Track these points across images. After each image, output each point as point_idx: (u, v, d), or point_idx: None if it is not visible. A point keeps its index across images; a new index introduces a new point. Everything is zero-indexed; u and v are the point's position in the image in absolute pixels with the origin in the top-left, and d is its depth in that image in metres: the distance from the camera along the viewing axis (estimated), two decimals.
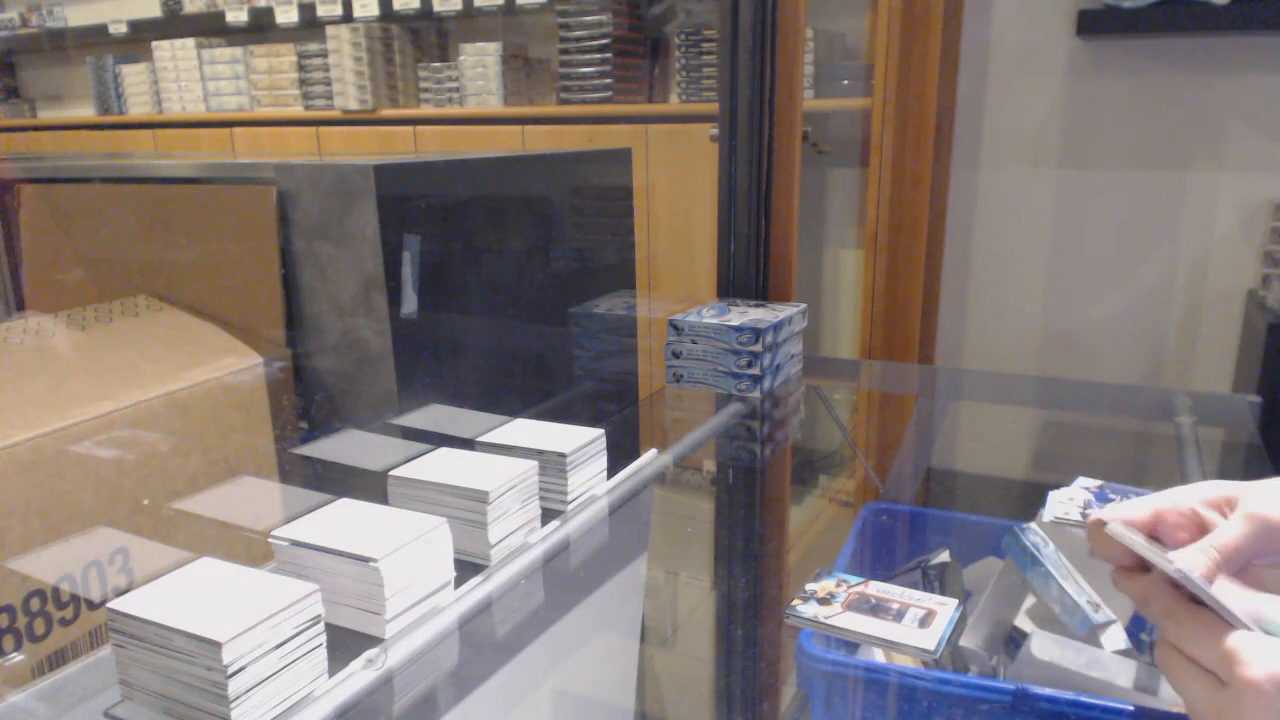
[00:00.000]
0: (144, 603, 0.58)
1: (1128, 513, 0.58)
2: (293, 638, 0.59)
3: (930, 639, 0.62)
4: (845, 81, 2.51)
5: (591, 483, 0.91)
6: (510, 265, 1.26)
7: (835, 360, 2.25)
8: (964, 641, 0.73)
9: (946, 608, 0.67)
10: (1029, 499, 0.82)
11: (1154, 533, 0.58)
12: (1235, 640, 0.48)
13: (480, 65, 3.00)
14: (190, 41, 3.60)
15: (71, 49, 4.19)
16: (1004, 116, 2.34)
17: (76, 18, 4.10)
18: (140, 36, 3.78)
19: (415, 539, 0.68)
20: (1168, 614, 0.52)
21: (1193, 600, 0.52)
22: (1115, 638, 0.70)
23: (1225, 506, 0.57)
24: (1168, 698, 0.66)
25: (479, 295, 1.20)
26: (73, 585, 0.90)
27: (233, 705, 0.56)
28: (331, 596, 0.66)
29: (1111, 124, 2.23)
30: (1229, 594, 0.51)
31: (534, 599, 0.78)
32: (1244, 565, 0.55)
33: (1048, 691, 0.62)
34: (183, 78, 3.66)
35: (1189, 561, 0.53)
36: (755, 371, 1.27)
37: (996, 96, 2.34)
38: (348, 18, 3.19)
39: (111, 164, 1.49)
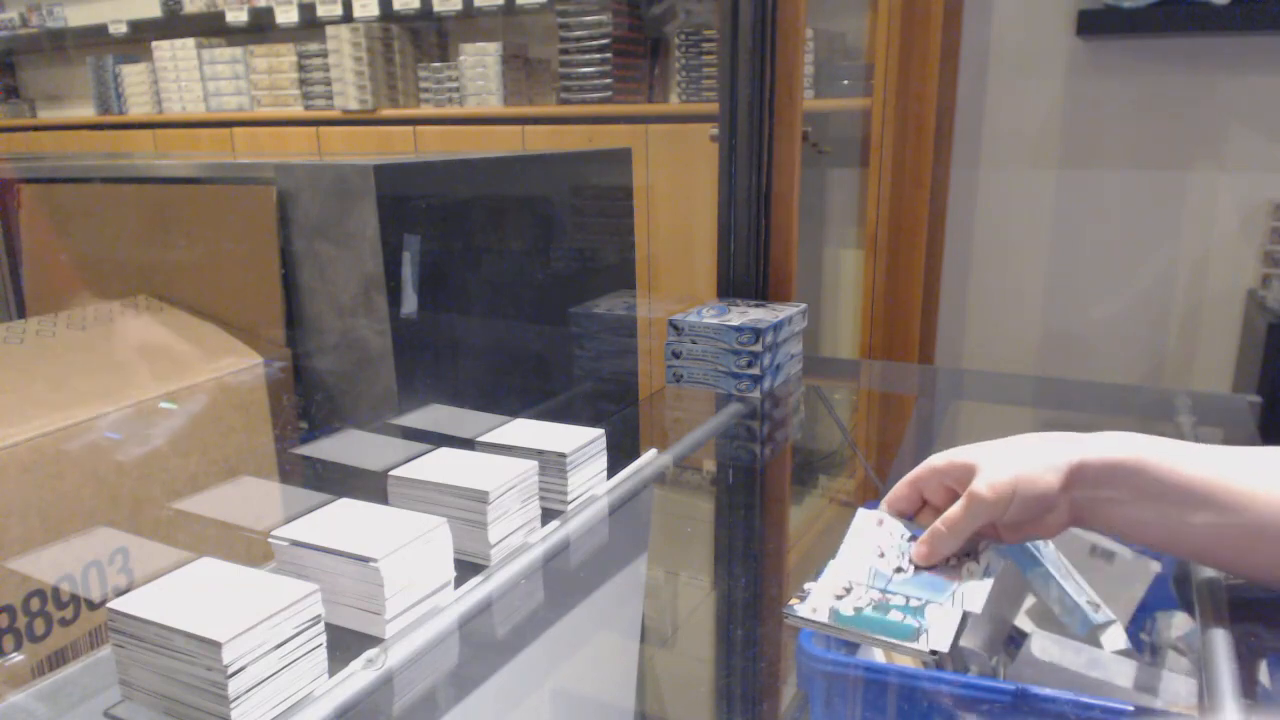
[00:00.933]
0: (144, 603, 0.58)
1: (891, 497, 0.70)
2: (293, 638, 0.59)
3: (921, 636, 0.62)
4: (845, 81, 2.51)
5: (591, 483, 0.91)
6: (510, 265, 1.26)
7: (835, 360, 2.25)
8: (964, 641, 0.73)
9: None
10: None
11: (925, 500, 0.69)
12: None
13: (480, 65, 3.00)
14: (190, 41, 3.60)
15: (71, 49, 4.19)
16: (1004, 116, 2.34)
17: (76, 18, 4.10)
18: (140, 36, 3.78)
19: (415, 539, 0.68)
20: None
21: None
22: (1115, 638, 0.70)
23: (962, 472, 0.65)
24: (1168, 698, 0.66)
25: (479, 295, 1.20)
26: (73, 585, 0.90)
27: (233, 705, 0.56)
28: (331, 596, 0.66)
29: (1111, 124, 2.23)
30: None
31: (534, 599, 0.78)
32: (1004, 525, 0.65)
33: (1048, 691, 0.62)
34: (183, 78, 3.66)
35: (924, 547, 0.65)
36: (755, 371, 1.27)
37: (996, 96, 2.34)
38: (348, 18, 3.19)
39: (111, 164, 1.49)
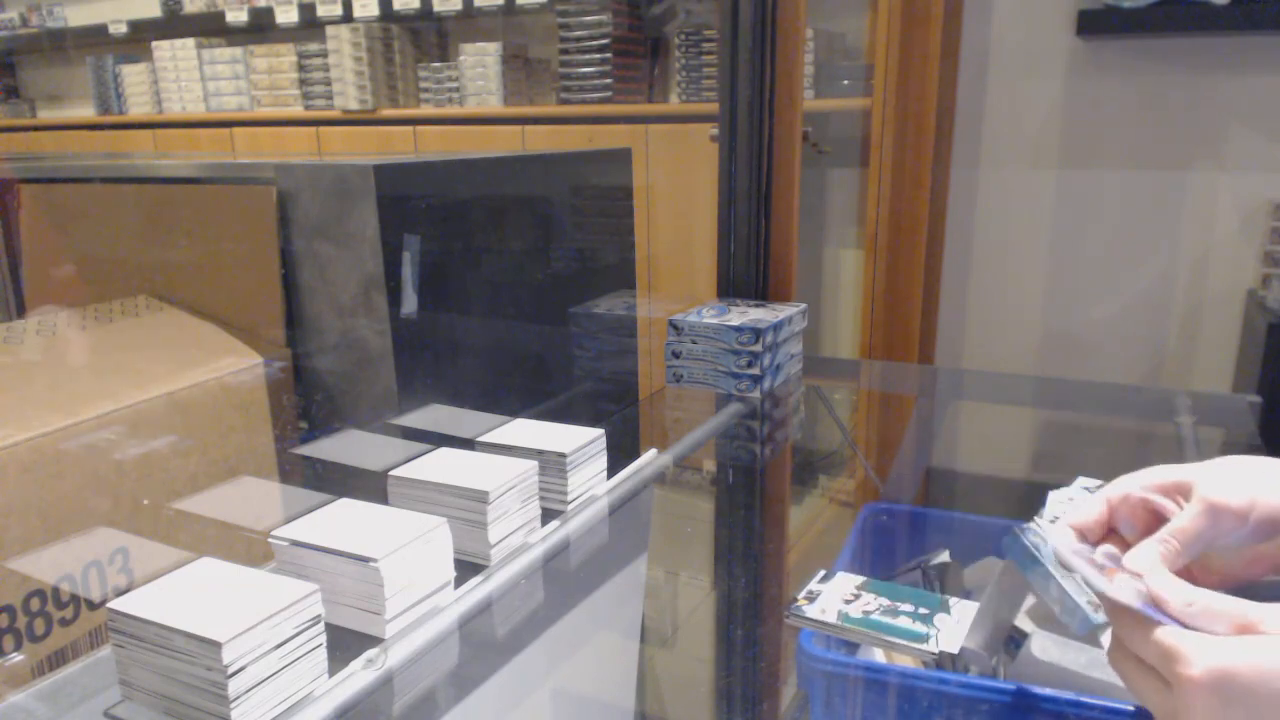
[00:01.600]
0: (144, 603, 0.58)
1: (1079, 515, 0.58)
2: (293, 638, 0.59)
3: (931, 639, 0.62)
4: (845, 81, 2.51)
5: (591, 483, 0.91)
6: (510, 265, 1.26)
7: (835, 360, 2.25)
8: (964, 641, 0.73)
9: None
10: (1029, 499, 0.82)
11: (1111, 526, 0.58)
12: (1171, 637, 0.47)
13: (480, 65, 3.00)
14: (190, 41, 3.60)
15: (71, 49, 4.19)
16: (1004, 116, 2.34)
17: (76, 18, 4.10)
18: (140, 36, 3.78)
19: (415, 539, 0.68)
20: (1116, 612, 0.52)
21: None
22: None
23: (1176, 492, 0.56)
24: None
25: (479, 295, 1.20)
26: (73, 585, 0.90)
27: (233, 705, 0.56)
28: (331, 596, 0.66)
29: (1111, 124, 2.23)
30: (1171, 588, 0.50)
31: (534, 599, 0.78)
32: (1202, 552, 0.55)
33: (1048, 691, 0.62)
34: (183, 78, 3.66)
35: (1143, 560, 0.53)
36: (755, 371, 1.27)
37: (996, 96, 2.34)
38: (348, 18, 3.19)
39: (111, 164, 1.49)
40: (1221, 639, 0.46)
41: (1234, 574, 0.58)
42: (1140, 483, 0.57)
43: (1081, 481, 0.82)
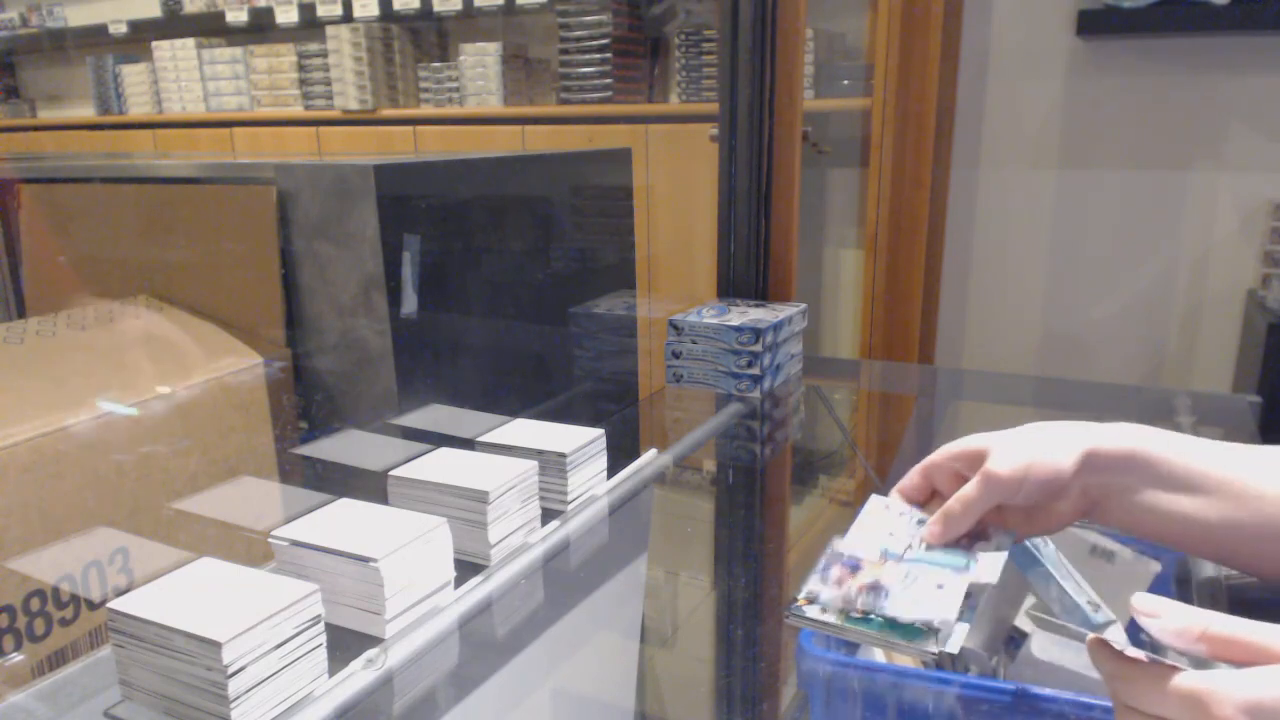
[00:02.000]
0: (144, 603, 0.58)
1: (904, 482, 0.68)
2: (293, 638, 0.59)
3: (931, 639, 0.62)
4: (845, 81, 2.51)
5: (591, 483, 0.91)
6: (510, 265, 1.26)
7: (835, 360, 2.25)
8: (964, 641, 0.73)
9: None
10: None
11: (935, 490, 0.67)
12: (1194, 680, 0.46)
13: (480, 65, 3.00)
14: (190, 41, 3.60)
15: (71, 49, 4.19)
16: (1004, 116, 2.34)
17: (76, 18, 4.10)
18: (140, 36, 3.78)
19: (415, 539, 0.68)
20: (1116, 676, 0.50)
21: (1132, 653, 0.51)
22: (1115, 638, 0.70)
23: (973, 459, 0.64)
24: None
25: (479, 295, 1.20)
26: (73, 585, 0.90)
27: (233, 705, 0.56)
28: (331, 596, 0.66)
29: (1111, 124, 2.23)
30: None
31: (534, 599, 0.78)
32: (998, 511, 0.64)
33: (1048, 691, 0.62)
34: (183, 78, 3.66)
35: (933, 530, 0.63)
36: (755, 371, 1.27)
37: (996, 96, 2.34)
38: (348, 18, 3.19)
39: (111, 164, 1.49)
40: (1248, 673, 0.45)
41: (1039, 529, 0.66)
42: (948, 452, 0.66)
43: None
